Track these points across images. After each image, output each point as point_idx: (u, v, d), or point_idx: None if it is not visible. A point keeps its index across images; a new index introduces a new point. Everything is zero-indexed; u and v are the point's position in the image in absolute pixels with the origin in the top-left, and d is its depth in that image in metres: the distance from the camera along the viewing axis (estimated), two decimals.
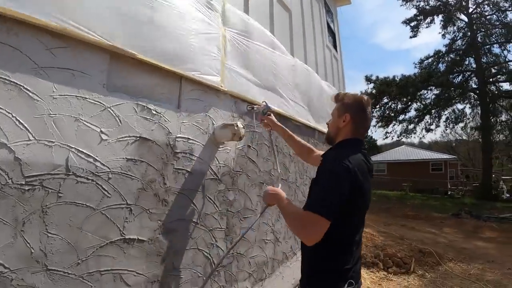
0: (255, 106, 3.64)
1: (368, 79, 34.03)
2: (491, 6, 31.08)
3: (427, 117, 34.52)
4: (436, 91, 33.40)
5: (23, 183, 1.80)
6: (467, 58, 32.66)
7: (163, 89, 2.77)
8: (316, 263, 2.16)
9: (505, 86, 32.08)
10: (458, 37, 33.15)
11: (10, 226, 1.73)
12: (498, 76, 31.86)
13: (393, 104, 34.75)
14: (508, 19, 30.41)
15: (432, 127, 34.83)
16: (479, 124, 33.56)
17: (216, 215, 3.31)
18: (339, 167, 1.97)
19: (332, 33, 9.67)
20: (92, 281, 2.14)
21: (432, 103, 33.43)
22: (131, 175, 2.41)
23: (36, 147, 1.86)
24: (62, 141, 1.99)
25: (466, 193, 32.43)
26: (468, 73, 32.79)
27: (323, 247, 2.00)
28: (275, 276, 4.60)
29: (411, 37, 35.34)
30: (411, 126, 35.08)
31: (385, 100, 34.52)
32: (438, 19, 33.59)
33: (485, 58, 32.05)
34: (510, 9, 29.93)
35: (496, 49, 32.62)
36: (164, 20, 2.69)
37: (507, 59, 30.85)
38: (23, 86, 1.80)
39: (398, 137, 36.13)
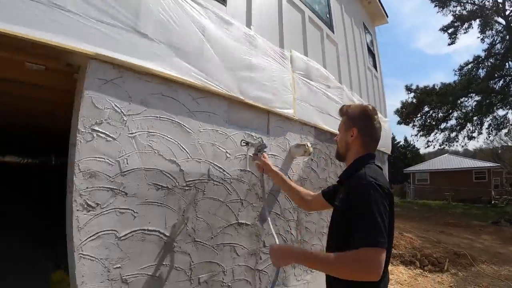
0: (249, 142, 3.51)
1: (408, 89, 33.07)
2: None
3: (468, 124, 32.20)
4: (477, 98, 31.56)
5: (184, 185, 3.01)
6: (507, 62, 30.67)
7: (258, 121, 3.95)
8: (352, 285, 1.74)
9: None
10: (497, 41, 30.95)
11: (176, 212, 2.93)
12: None
13: (433, 113, 33.66)
14: None
15: (474, 134, 32.57)
16: None
17: (291, 210, 4.44)
18: (372, 190, 1.76)
19: (371, 53, 10.23)
20: (218, 250, 3.33)
21: (473, 110, 31.80)
22: (243, 180, 3.63)
23: (191, 162, 3.08)
24: (206, 158, 3.22)
25: (511, 202, 30.66)
26: (509, 77, 30.75)
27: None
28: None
29: (449, 44, 33.53)
30: (453, 134, 33.39)
31: (426, 109, 33.26)
32: (475, 23, 31.71)
33: None
34: None
35: None
36: (258, 75, 3.87)
37: None
38: (182, 124, 3.02)
39: (440, 145, 34.40)
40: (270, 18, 4.63)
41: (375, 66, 10.36)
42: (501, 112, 32.66)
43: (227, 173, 3.43)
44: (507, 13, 29.87)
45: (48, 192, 13.62)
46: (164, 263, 2.79)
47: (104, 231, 2.38)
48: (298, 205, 3.21)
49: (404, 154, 55.65)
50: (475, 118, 31.80)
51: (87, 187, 2.29)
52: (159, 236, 2.75)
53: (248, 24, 4.04)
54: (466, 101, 31.91)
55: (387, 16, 10.96)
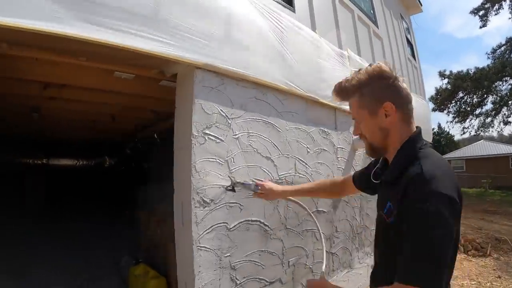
0: (242, 184, 2.50)
1: (442, 75, 30.98)
2: None
3: (504, 109, 30.09)
4: (511, 81, 28.92)
5: (278, 178, 3.18)
6: None
7: (328, 117, 4.08)
8: None
9: None
10: None
11: (272, 204, 3.10)
12: None
13: (468, 98, 31.17)
14: None
15: (510, 119, 30.05)
16: None
17: (355, 197, 4.57)
18: (439, 205, 1.12)
19: (410, 44, 10.04)
20: (302, 235, 3.50)
21: (508, 94, 29.18)
22: (319, 172, 3.77)
23: (282, 158, 3.25)
24: (293, 154, 3.38)
25: None
26: None
27: None
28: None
29: (481, 27, 30.68)
30: (488, 120, 30.89)
31: (460, 95, 31.04)
32: (506, 4, 28.58)
33: None
34: None
35: None
36: (327, 75, 3.99)
37: None
38: (273, 124, 3.18)
39: (475, 132, 32.11)
40: (328, 20, 4.73)
41: (413, 56, 10.16)
42: None
43: (308, 166, 3.59)
44: None
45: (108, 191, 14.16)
46: (263, 249, 2.98)
47: (217, 224, 2.57)
48: (329, 198, 2.89)
49: (438, 142, 53.42)
50: (510, 102, 30.16)
51: (202, 186, 2.47)
52: (260, 225, 2.94)
53: (313, 27, 4.16)
54: (501, 85, 29.86)
55: (421, 5, 10.67)
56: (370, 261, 5.01)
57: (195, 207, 2.42)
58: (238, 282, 2.74)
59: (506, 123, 30.31)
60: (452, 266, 1.30)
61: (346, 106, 4.19)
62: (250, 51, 2.92)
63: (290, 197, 2.33)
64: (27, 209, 10.38)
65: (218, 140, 2.61)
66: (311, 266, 3.62)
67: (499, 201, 21.91)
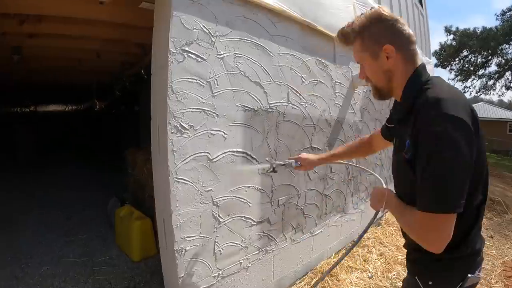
0: (282, 165, 2.50)
1: (447, 30, 29.66)
2: None
3: (508, 73, 29.48)
4: None
5: (268, 107, 2.83)
6: None
7: (327, 48, 3.65)
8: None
9: None
10: None
11: (261, 134, 2.76)
12: None
13: (473, 58, 30.19)
14: None
15: None
16: None
17: (352, 138, 4.23)
18: (448, 127, 1.08)
19: None
20: (294, 173, 3.20)
21: None
22: (315, 105, 3.41)
23: (273, 85, 2.87)
24: (285, 82, 3.00)
25: None
26: None
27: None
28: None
29: None
30: (491, 82, 30.26)
31: (465, 53, 30.06)
32: None
33: None
34: None
35: None
36: (327, 3, 3.54)
37: None
38: (264, 47, 2.78)
39: (476, 92, 31.70)
40: None
41: (421, 2, 9.47)
42: None
43: (303, 97, 3.22)
44: None
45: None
46: (249, 185, 2.68)
47: (197, 153, 2.26)
48: (365, 156, 2.73)
49: None
50: None
51: (180, 109, 2.13)
52: (246, 158, 2.63)
53: None
54: (508, 48, 29.18)
55: None
56: (364, 207, 4.80)
57: (172, 133, 2.10)
58: (221, 220, 2.48)
59: (508, 87, 29.81)
60: (483, 177, 1.28)
61: None
62: None
63: (326, 162, 2.34)
64: (18, 159, 10.34)
65: (199, 59, 2.23)
66: (302, 208, 3.35)
67: (494, 164, 21.96)
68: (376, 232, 5.04)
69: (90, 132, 14.22)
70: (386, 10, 1.39)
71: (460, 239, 1.26)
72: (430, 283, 1.36)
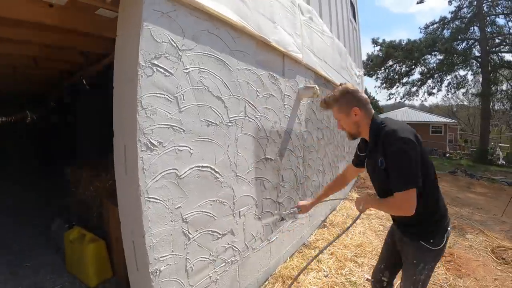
0: (288, 214, 3.06)
1: (374, 42, 32.09)
2: None
3: (429, 81, 32.90)
4: (439, 57, 31.05)
5: (228, 121, 2.83)
6: (472, 27, 29.99)
7: (277, 62, 3.74)
8: (423, 212, 2.06)
9: (507, 56, 29.07)
10: (464, 5, 30.21)
11: (222, 148, 2.77)
12: (501, 46, 29.31)
13: (397, 67, 33.20)
14: None
15: (434, 91, 33.10)
16: (479, 91, 31.21)
17: (299, 147, 4.38)
18: (403, 141, 1.88)
19: (352, 6, 10.02)
20: (252, 184, 3.23)
21: (435, 67, 31.56)
22: (268, 118, 3.47)
23: (233, 99, 2.89)
24: (243, 96, 3.03)
25: (464, 156, 30.82)
26: (472, 41, 30.37)
27: (425, 197, 2.01)
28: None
29: (418, 3, 31.90)
30: (414, 89, 33.60)
31: (390, 63, 32.91)
32: None
33: (490, 28, 29.21)
34: None
35: (501, 20, 29.72)
36: (277, 18, 3.64)
37: (510, 31, 28.79)
38: (225, 62, 2.79)
39: (401, 98, 34.49)
40: None
41: (354, 18, 10.12)
42: (461, 73, 31.96)
43: (257, 110, 3.27)
44: None
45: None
46: (214, 199, 2.67)
47: (166, 170, 2.20)
48: (344, 187, 3.07)
49: None
50: (436, 75, 31.87)
51: (149, 125, 2.06)
52: (211, 172, 2.61)
53: None
54: (430, 58, 32.02)
55: None
56: (311, 211, 4.90)
57: (142, 150, 2.02)
58: (191, 236, 2.43)
59: (430, 93, 33.00)
60: (430, 171, 2.08)
61: (294, 53, 3.94)
62: None
63: (317, 202, 2.95)
64: None
65: (167, 73, 2.18)
66: (259, 216, 3.38)
67: None
68: (323, 234, 5.26)
69: (21, 146, 13.10)
70: (350, 85, 2.20)
71: (434, 207, 2.13)
72: (432, 240, 2.10)
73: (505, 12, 28.39)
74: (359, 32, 10.64)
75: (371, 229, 5.78)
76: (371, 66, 32.99)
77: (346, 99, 2.17)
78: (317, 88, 4.20)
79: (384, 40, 31.88)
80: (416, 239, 2.17)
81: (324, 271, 3.91)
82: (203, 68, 2.50)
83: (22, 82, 6.94)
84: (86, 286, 3.47)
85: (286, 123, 3.94)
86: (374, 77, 33.94)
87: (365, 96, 2.20)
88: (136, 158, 2.01)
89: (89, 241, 3.52)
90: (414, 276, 2.22)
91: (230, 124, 2.84)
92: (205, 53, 2.53)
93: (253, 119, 3.19)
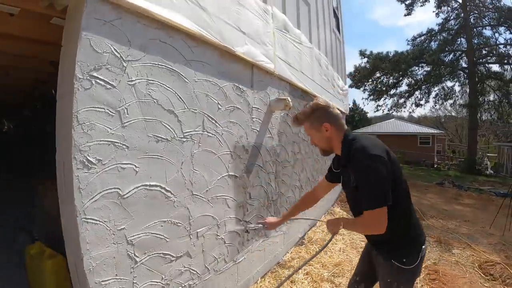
0: (253, 228, 3.50)
1: (362, 54, 32.59)
2: None
3: (417, 92, 33.51)
4: (427, 68, 31.72)
5: (182, 136, 2.69)
6: (459, 39, 30.88)
7: (245, 73, 3.64)
8: (394, 231, 2.05)
9: (494, 67, 30.44)
10: (451, 17, 31.18)
11: (175, 165, 2.62)
12: (488, 58, 30.29)
13: (385, 79, 33.61)
14: (502, 3, 28.24)
15: (422, 102, 33.84)
16: (467, 101, 31.80)
17: (270, 162, 4.25)
18: (373, 159, 1.90)
19: (336, 17, 10.06)
20: (213, 202, 3.09)
21: (422, 79, 32.16)
22: (232, 132, 3.34)
23: (188, 113, 2.76)
24: (200, 109, 2.90)
25: (452, 167, 31.32)
26: (459, 52, 31.06)
27: (396, 216, 1.99)
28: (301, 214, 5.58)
29: (405, 15, 33.29)
30: (402, 101, 34.05)
31: (378, 75, 33.28)
32: None
33: (476, 40, 30.12)
34: None
35: (487, 32, 30.22)
36: (245, 27, 3.54)
37: (497, 42, 29.33)
38: (179, 73, 2.66)
39: (388, 110, 35.22)
40: None
41: (338, 29, 10.15)
42: (449, 84, 32.71)
43: (219, 124, 3.15)
44: None
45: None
46: (165, 219, 2.51)
47: (106, 190, 2.05)
48: (315, 203, 2.98)
49: (352, 117, 55.40)
50: (423, 86, 32.46)
51: (87, 142, 1.92)
52: (161, 191, 2.46)
53: None
54: (417, 70, 32.58)
55: None
56: (286, 228, 4.81)
57: (78, 168, 1.87)
58: (138, 259, 2.27)
59: (417, 105, 33.70)
60: (402, 187, 2.09)
61: (265, 63, 3.81)
62: None
63: (285, 220, 2.96)
64: None
65: (108, 86, 2.04)
66: (223, 237, 3.23)
67: (407, 174, 23.48)
68: (300, 252, 5.13)
69: None
70: (321, 101, 2.23)
71: (407, 225, 2.13)
72: (404, 260, 2.08)
73: (491, 23, 29.13)
74: (343, 44, 10.68)
75: (352, 246, 5.63)
76: (359, 78, 33.32)
77: (317, 115, 2.20)
78: (289, 100, 4.07)
79: (371, 52, 32.43)
80: (389, 259, 2.17)
81: None
82: (152, 80, 2.36)
83: None
84: None
85: (255, 138, 3.81)
86: (361, 88, 34.26)
87: (337, 111, 2.24)
88: (72, 176, 1.86)
89: (47, 257, 3.38)
90: None
91: (184, 139, 2.70)
92: (155, 64, 2.40)
93: (213, 134, 3.05)
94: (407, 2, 31.91)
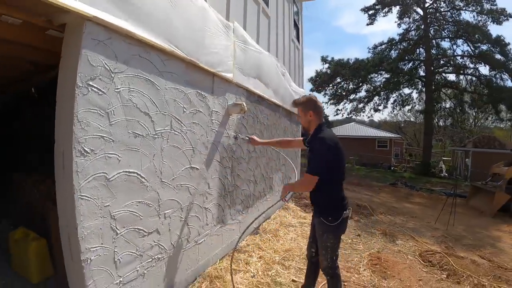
0: (239, 136, 5.33)
1: (324, 60, 33.94)
2: (446, 3, 31.00)
3: (376, 98, 34.98)
4: (386, 75, 33.31)
5: (154, 133, 3.36)
6: (418, 49, 33.13)
7: (206, 82, 4.33)
8: (325, 198, 3.26)
9: (451, 77, 32.65)
10: (412, 28, 33.09)
11: (148, 157, 3.29)
12: (445, 68, 32.48)
13: (345, 84, 35.10)
14: (461, 17, 30.56)
15: (380, 107, 35.13)
16: (423, 108, 33.81)
17: (227, 158, 4.98)
18: (324, 146, 3.10)
19: (296, 26, 10.85)
20: (177, 189, 3.77)
21: (381, 86, 33.70)
22: (194, 131, 4.05)
23: (160, 115, 3.43)
24: (169, 112, 3.58)
25: (408, 169, 32.99)
26: (417, 62, 33.37)
27: (328, 188, 3.20)
28: (255, 208, 6.44)
29: (367, 24, 34.98)
30: (361, 105, 35.44)
31: (338, 80, 34.75)
32: (395, 9, 33.03)
33: (435, 50, 32.22)
34: (464, 8, 29.94)
35: (446, 43, 31.76)
36: (208, 42, 4.22)
37: (455, 53, 31.59)
38: (153, 82, 3.33)
39: (348, 114, 36.70)
40: None
41: (298, 39, 10.91)
42: (406, 91, 34.83)
43: (184, 125, 3.82)
44: (426, 5, 31.85)
45: None
46: (140, 200, 3.16)
47: (97, 173, 2.67)
48: (286, 148, 5.08)
49: None
50: (382, 93, 33.92)
51: (83, 135, 2.54)
52: (137, 177, 3.11)
53: None
54: (376, 77, 34.03)
55: None
56: (242, 218, 5.55)
57: (76, 156, 2.48)
58: (118, 231, 2.89)
59: (376, 110, 35.12)
60: (338, 171, 3.25)
61: (224, 73, 4.56)
62: (142, 10, 3.00)
63: (265, 144, 5.06)
64: None
65: (100, 92, 2.67)
66: (185, 219, 3.90)
67: (363, 175, 24.50)
68: (254, 239, 5.78)
69: None
70: (313, 96, 3.49)
71: (336, 194, 3.25)
72: (330, 218, 3.17)
73: (450, 36, 30.85)
74: (301, 52, 11.45)
75: (303, 236, 6.33)
76: (320, 83, 34.37)
77: (307, 103, 3.42)
78: (245, 104, 4.82)
79: (333, 58, 33.74)
80: (319, 216, 3.30)
81: (252, 272, 4.44)
82: (133, 88, 3.01)
83: None
84: (29, 283, 3.78)
85: (214, 136, 4.51)
86: (322, 93, 35.32)
87: (321, 105, 3.49)
88: (71, 162, 2.46)
89: (31, 240, 3.86)
90: (323, 243, 3.29)
91: (156, 136, 3.35)
92: (135, 75, 3.04)
93: (178, 132, 3.72)
94: (370, 12, 33.41)
